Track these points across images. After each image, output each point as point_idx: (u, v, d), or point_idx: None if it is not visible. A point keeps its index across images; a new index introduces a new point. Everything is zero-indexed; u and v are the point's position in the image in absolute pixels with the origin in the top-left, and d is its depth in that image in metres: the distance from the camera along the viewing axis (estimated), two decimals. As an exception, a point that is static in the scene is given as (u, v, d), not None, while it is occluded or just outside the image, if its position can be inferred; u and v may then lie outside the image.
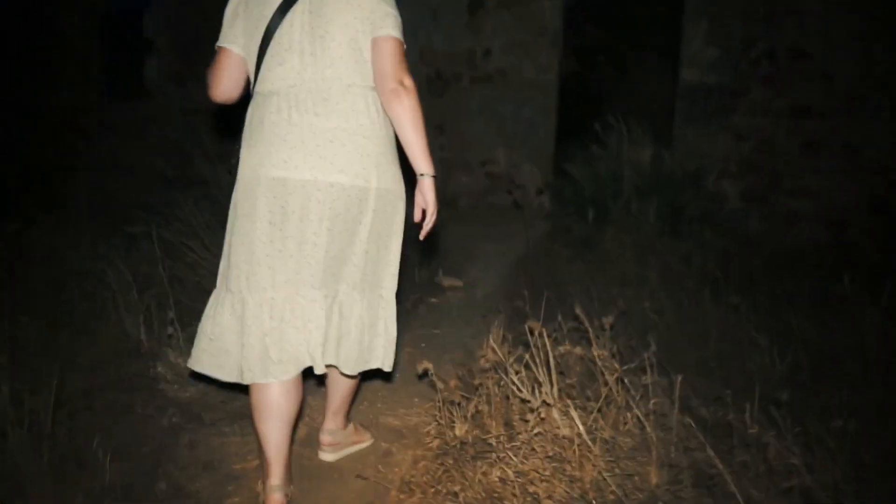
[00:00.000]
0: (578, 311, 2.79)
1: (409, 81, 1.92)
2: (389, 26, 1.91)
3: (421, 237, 2.03)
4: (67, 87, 7.74)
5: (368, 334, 2.04)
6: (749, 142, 5.96)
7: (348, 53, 1.89)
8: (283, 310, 1.93)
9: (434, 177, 1.95)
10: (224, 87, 2.01)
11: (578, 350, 2.74)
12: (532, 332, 2.63)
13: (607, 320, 2.78)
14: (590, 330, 2.67)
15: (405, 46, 1.96)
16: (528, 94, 6.31)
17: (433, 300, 4.12)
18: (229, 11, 1.98)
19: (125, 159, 7.05)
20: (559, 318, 3.73)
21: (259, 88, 1.95)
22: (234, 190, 1.98)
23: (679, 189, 4.86)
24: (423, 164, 1.93)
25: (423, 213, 1.99)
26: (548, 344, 2.52)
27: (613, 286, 4.10)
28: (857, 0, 5.57)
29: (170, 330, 2.85)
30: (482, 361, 2.60)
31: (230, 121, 2.36)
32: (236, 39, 1.96)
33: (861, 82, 5.66)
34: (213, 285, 2.09)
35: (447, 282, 4.42)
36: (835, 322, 3.24)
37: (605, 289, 4.06)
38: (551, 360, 2.50)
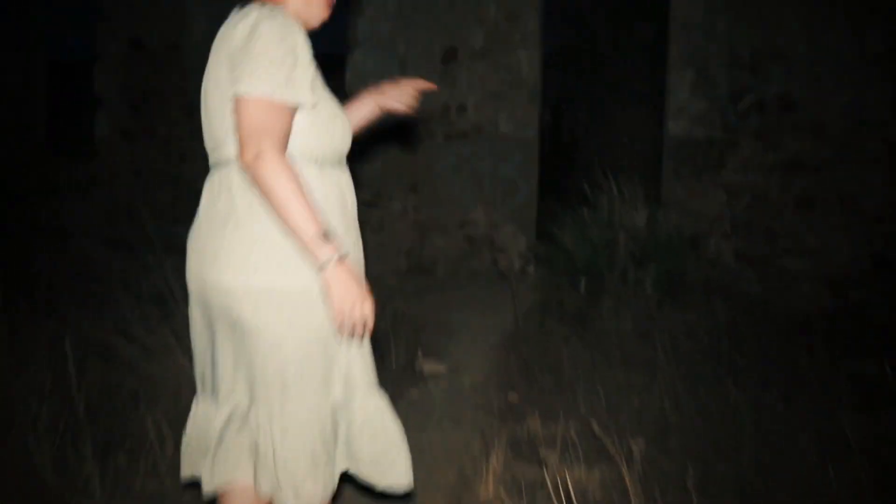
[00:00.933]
0: (595, 427, 2.33)
1: (269, 152, 1.42)
2: (241, 77, 1.44)
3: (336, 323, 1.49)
4: (5, 142, 7.15)
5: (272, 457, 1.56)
6: (742, 199, 5.63)
7: (228, 124, 1.52)
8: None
9: (341, 258, 1.44)
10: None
11: (597, 474, 2.28)
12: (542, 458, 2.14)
13: (635, 444, 2.32)
14: (615, 454, 2.20)
15: (277, 102, 1.44)
16: (506, 150, 5.93)
17: (413, 392, 3.61)
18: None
19: (68, 223, 6.47)
20: (562, 418, 3.25)
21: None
22: None
23: (677, 254, 4.47)
24: (311, 254, 1.44)
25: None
26: (564, 471, 2.04)
27: (617, 370, 3.65)
28: (845, 45, 5.33)
29: (87, 469, 2.25)
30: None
31: (182, 182, 1.86)
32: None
33: (854, 131, 5.40)
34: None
35: (428, 367, 3.92)
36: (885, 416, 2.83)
37: (608, 374, 3.61)
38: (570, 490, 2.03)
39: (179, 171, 6.73)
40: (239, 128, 1.44)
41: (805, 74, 5.44)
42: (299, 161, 1.52)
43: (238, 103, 1.44)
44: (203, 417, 1.64)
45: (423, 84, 1.89)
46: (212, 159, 1.60)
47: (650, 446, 2.61)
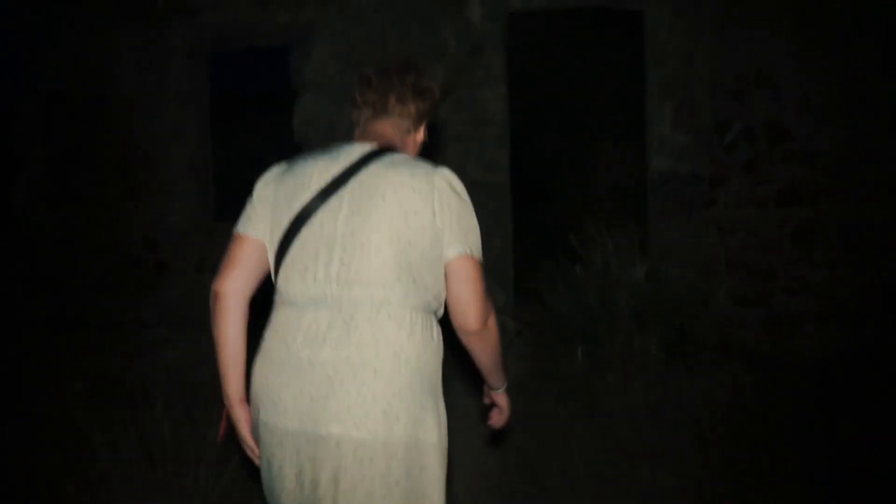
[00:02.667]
0: None
1: (492, 319, 1.59)
2: (458, 241, 1.53)
3: (493, 425, 1.84)
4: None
5: None
6: (735, 236, 5.18)
7: (392, 270, 1.50)
8: None
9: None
10: (233, 277, 1.60)
11: None
12: None
13: None
14: None
15: (479, 260, 1.58)
16: (475, 198, 5.31)
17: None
18: (255, 195, 1.64)
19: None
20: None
21: (277, 297, 1.61)
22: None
23: (684, 310, 3.96)
24: (498, 381, 1.75)
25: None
26: None
27: (640, 467, 3.09)
28: (835, 67, 4.95)
29: None
30: None
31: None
32: (257, 226, 1.61)
33: (849, 159, 5.01)
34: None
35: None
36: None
37: (630, 473, 3.04)
38: None
39: (113, 237, 6.02)
40: (463, 294, 1.53)
41: (794, 100, 5.05)
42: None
43: (466, 266, 1.53)
44: None
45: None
46: (354, 292, 1.50)
47: None
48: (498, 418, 1.81)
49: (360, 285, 1.48)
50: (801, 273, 5.12)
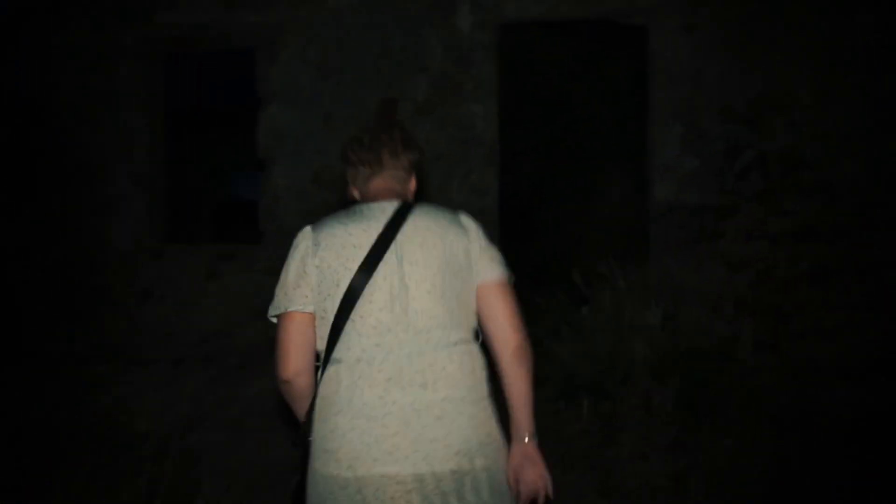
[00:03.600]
0: None
1: (528, 342, 1.67)
2: (497, 267, 1.69)
3: None
4: None
5: None
6: (745, 274, 4.70)
7: (454, 308, 1.64)
8: None
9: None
10: (297, 357, 1.64)
11: None
12: None
13: None
14: None
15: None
16: (462, 223, 4.80)
17: None
18: (292, 270, 1.68)
19: None
20: None
21: (341, 356, 1.61)
22: (308, 497, 1.63)
23: (701, 358, 3.43)
24: (532, 422, 1.66)
25: (518, 482, 1.64)
26: None
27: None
28: (854, 92, 4.55)
29: None
30: None
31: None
32: (306, 299, 1.64)
33: (869, 191, 4.58)
34: None
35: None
36: None
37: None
38: None
39: (46, 258, 5.30)
40: (502, 314, 1.65)
41: (811, 127, 4.62)
42: None
43: (504, 288, 1.67)
44: None
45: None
46: (432, 335, 1.61)
47: None
48: (534, 481, 1.63)
49: (435, 329, 1.61)
50: (816, 316, 4.65)
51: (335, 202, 4.93)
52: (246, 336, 5.11)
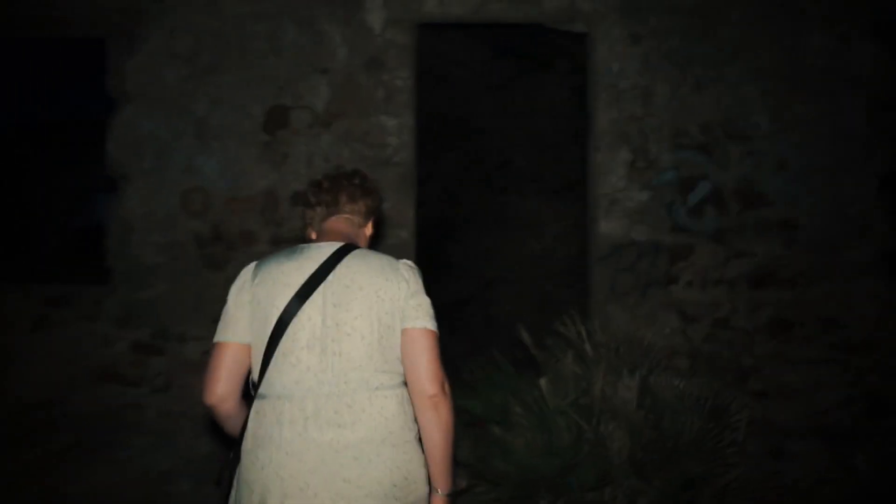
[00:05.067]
0: None
1: (447, 385, 1.71)
2: (424, 317, 1.71)
3: None
4: None
5: None
6: (700, 324, 4.05)
7: (376, 351, 1.68)
8: None
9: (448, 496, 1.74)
10: (222, 386, 1.71)
11: None
12: None
13: None
14: None
15: (438, 337, 1.75)
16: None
17: None
18: (230, 302, 1.78)
19: None
20: None
21: (265, 391, 1.68)
22: None
23: (681, 442, 2.66)
24: (445, 478, 1.72)
25: None
26: None
27: None
28: (818, 119, 4.04)
29: None
30: None
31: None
32: (237, 331, 1.72)
33: (833, 231, 4.07)
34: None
35: None
36: None
37: None
38: None
39: None
40: (420, 362, 1.67)
41: (771, 158, 4.07)
42: None
43: (425, 337, 1.68)
44: None
45: None
46: (350, 376, 1.64)
47: None
48: None
49: (354, 371, 1.64)
50: (776, 373, 4.06)
51: (208, 234, 3.89)
52: (84, 406, 3.93)
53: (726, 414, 2.75)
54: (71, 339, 3.98)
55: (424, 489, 1.70)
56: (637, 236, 4.05)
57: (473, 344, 5.37)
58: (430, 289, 1.91)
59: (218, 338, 1.73)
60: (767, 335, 4.07)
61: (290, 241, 4.01)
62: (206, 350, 4.12)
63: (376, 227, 1.95)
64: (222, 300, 4.03)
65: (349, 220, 1.82)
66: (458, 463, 2.89)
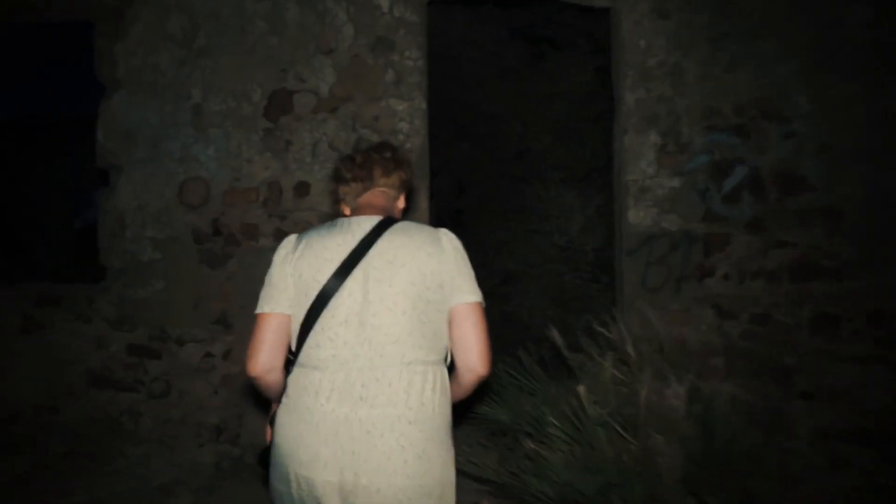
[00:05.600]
0: None
1: (491, 361, 1.70)
2: (470, 291, 1.68)
3: None
4: None
5: None
6: (737, 320, 3.75)
7: (416, 327, 1.64)
8: None
9: None
10: (265, 357, 1.70)
11: None
12: None
13: None
14: None
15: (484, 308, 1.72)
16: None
17: None
18: (274, 273, 1.75)
19: None
20: None
21: (303, 361, 1.69)
22: (271, 476, 1.72)
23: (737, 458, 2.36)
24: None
25: None
26: None
27: None
28: (862, 97, 3.73)
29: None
30: None
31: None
32: (281, 303, 1.71)
33: (880, 217, 3.75)
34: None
35: None
36: None
37: None
38: None
39: None
40: (470, 337, 1.65)
41: (812, 139, 3.76)
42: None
43: (474, 313, 1.66)
44: None
45: None
46: (386, 351, 1.62)
47: None
48: None
49: (392, 345, 1.62)
50: (821, 372, 3.76)
51: (207, 228, 3.62)
52: (77, 412, 3.67)
53: (783, 421, 2.45)
54: (63, 342, 3.72)
55: (444, 473, 1.64)
56: (668, 226, 3.76)
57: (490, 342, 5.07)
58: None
59: (261, 308, 1.72)
60: (810, 331, 3.76)
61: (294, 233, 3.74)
62: (207, 353, 3.88)
63: (408, 199, 1.92)
64: (223, 298, 3.77)
65: (385, 193, 1.80)
66: (484, 480, 2.64)
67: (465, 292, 1.65)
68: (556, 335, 2.56)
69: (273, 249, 1.79)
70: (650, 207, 3.76)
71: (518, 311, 4.49)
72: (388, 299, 1.62)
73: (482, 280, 4.58)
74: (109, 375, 3.68)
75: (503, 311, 4.74)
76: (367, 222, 1.70)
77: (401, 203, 1.87)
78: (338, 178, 1.84)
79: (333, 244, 1.68)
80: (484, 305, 1.68)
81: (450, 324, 1.65)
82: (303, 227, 3.75)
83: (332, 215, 3.87)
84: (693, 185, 3.75)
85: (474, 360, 1.63)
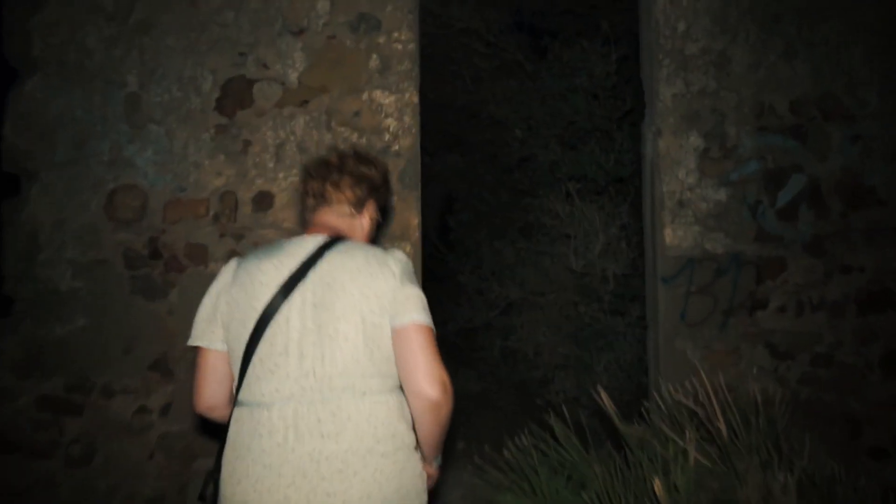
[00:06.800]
0: None
1: (449, 383, 1.52)
2: (416, 311, 1.53)
3: None
4: None
5: None
6: (795, 361, 3.10)
7: (362, 354, 1.52)
8: None
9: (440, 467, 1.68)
10: (209, 393, 1.62)
11: None
12: None
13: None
14: None
15: (434, 332, 1.57)
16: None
17: None
18: (207, 304, 1.66)
19: None
20: None
21: (244, 398, 1.55)
22: None
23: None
24: (437, 452, 1.64)
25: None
26: None
27: None
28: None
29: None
30: None
31: None
32: (214, 336, 1.63)
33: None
34: None
35: None
36: None
37: None
38: None
39: None
40: (415, 359, 1.49)
41: (881, 142, 3.14)
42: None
43: (420, 333, 1.50)
44: None
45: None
46: (334, 383, 1.51)
47: None
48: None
49: (339, 376, 1.50)
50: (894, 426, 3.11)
51: (143, 249, 2.89)
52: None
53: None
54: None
55: (422, 499, 1.58)
56: (713, 248, 3.10)
57: (485, 386, 4.38)
58: (433, 314, 1.58)
59: (193, 341, 1.65)
60: (883, 374, 3.12)
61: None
62: (141, 406, 3.09)
63: (381, 212, 1.78)
64: (162, 338, 3.03)
65: (337, 211, 1.67)
66: None
67: (410, 311, 1.51)
68: (605, 399, 1.86)
69: (252, 249, 1.61)
70: (690, 225, 3.09)
71: (521, 349, 3.80)
72: (328, 325, 1.51)
73: (477, 309, 3.78)
74: (14, 437, 2.89)
75: (503, 348, 4.04)
76: (312, 242, 1.60)
77: (365, 220, 1.71)
78: (300, 192, 1.74)
79: (270, 267, 1.57)
80: (431, 329, 1.53)
81: (393, 347, 1.53)
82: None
83: (299, 233, 3.16)
84: (742, 199, 3.10)
85: (420, 382, 1.48)
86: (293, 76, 3.00)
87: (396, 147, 3.01)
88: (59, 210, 2.95)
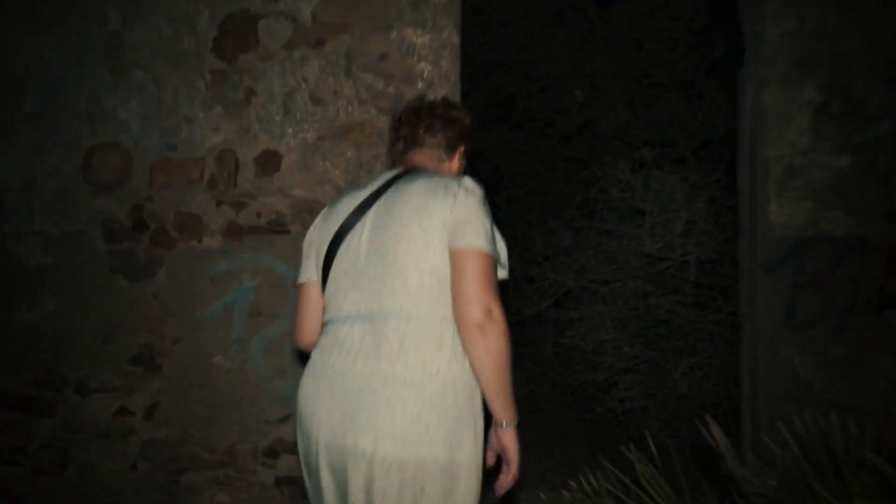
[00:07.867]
0: None
1: (497, 310, 1.43)
2: (473, 235, 1.46)
3: (499, 493, 1.49)
4: None
5: None
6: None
7: (416, 279, 1.48)
8: None
9: (518, 426, 1.49)
10: (307, 325, 1.66)
11: None
12: None
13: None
14: None
15: (497, 261, 1.49)
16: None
17: None
18: (305, 241, 1.72)
19: None
20: None
21: (325, 320, 1.63)
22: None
23: None
24: (504, 412, 1.47)
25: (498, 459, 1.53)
26: None
27: None
28: None
29: None
30: None
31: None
32: (309, 270, 1.69)
33: None
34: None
35: None
36: None
37: None
38: None
39: None
40: (466, 285, 1.43)
41: None
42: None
43: (474, 257, 1.44)
44: None
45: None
46: (385, 304, 1.48)
47: None
48: (504, 480, 1.49)
49: (389, 297, 1.49)
50: None
51: (126, 219, 2.39)
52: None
53: None
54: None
55: (453, 450, 1.41)
56: (831, 228, 2.46)
57: (534, 389, 3.81)
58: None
59: (297, 279, 1.69)
60: None
61: (256, 228, 2.48)
62: (122, 407, 2.64)
63: (467, 158, 1.73)
64: (148, 325, 2.54)
65: (428, 153, 1.66)
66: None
67: (469, 236, 1.43)
68: (718, 435, 1.28)
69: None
70: (802, 200, 2.46)
71: (579, 346, 3.22)
72: (384, 247, 1.50)
73: (527, 299, 3.10)
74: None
75: (557, 344, 3.46)
76: (386, 175, 1.61)
77: (454, 165, 1.69)
78: (389, 139, 1.74)
79: (344, 201, 1.61)
80: (491, 257, 1.43)
81: (450, 270, 1.45)
82: (270, 219, 2.49)
83: (312, 201, 2.62)
84: (869, 167, 2.45)
85: (461, 305, 1.40)
86: (306, 11, 2.45)
87: (432, 97, 2.44)
88: (27, 172, 2.48)
